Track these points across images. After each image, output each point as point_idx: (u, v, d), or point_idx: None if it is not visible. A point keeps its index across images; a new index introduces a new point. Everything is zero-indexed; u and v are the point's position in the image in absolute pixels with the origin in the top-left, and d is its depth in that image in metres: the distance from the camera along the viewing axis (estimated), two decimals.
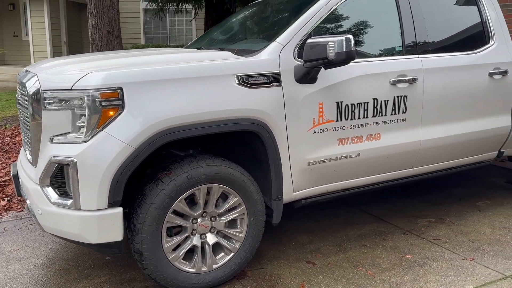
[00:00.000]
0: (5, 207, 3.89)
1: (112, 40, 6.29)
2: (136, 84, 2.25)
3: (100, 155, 2.19)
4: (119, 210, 2.27)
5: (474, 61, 3.38)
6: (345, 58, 2.47)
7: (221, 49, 3.08)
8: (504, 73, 3.50)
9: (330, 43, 2.46)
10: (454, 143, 3.35)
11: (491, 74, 3.43)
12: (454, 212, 3.81)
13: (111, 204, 2.24)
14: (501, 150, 3.78)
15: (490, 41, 3.53)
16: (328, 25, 2.92)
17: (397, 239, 3.30)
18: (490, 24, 3.56)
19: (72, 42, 14.76)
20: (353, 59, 2.51)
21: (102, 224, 2.26)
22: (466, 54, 3.38)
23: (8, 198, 4.05)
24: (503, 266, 2.88)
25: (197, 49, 3.29)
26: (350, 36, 2.47)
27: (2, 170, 4.65)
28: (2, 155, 5.17)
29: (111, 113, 2.21)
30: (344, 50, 2.45)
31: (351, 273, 2.82)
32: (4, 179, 4.43)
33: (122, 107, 2.22)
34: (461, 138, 3.37)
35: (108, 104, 2.20)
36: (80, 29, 15.42)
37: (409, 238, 3.30)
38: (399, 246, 3.17)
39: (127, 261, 2.96)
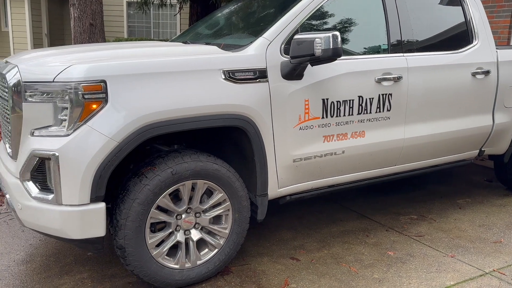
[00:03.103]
0: None
1: (95, 32, 6.18)
2: (120, 77, 2.21)
3: (82, 149, 2.14)
4: (102, 205, 2.23)
5: (457, 61, 3.43)
6: (331, 55, 2.47)
7: (207, 44, 3.05)
8: (487, 73, 3.56)
9: (317, 39, 2.46)
10: (437, 141, 3.39)
11: (474, 74, 3.48)
12: (436, 209, 3.87)
13: (94, 199, 2.20)
14: (482, 149, 3.85)
15: (474, 41, 3.58)
16: (315, 22, 2.92)
17: (379, 235, 3.33)
18: (474, 24, 3.61)
19: (54, 35, 14.45)
20: (340, 56, 2.51)
21: (84, 220, 2.21)
22: (450, 53, 3.43)
23: None
24: (482, 263, 2.94)
25: (182, 43, 3.25)
26: (337, 33, 2.47)
27: None
28: None
29: (94, 106, 2.16)
30: (331, 46, 2.45)
31: (335, 269, 2.83)
32: None
33: (105, 100, 2.17)
34: (444, 137, 3.42)
35: (91, 97, 2.15)
36: (61, 21, 15.11)
37: (391, 235, 3.34)
38: (382, 243, 3.21)
39: (108, 257, 2.91)
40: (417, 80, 3.18)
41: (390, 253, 3.06)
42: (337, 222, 3.56)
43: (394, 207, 3.90)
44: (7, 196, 2.49)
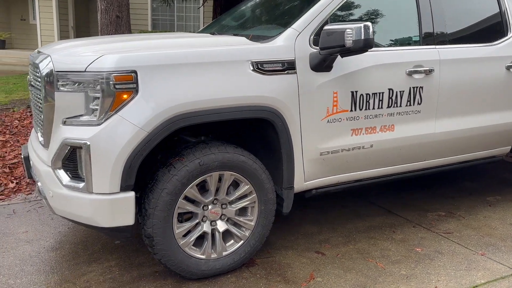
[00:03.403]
0: (14, 190, 3.89)
1: (121, 25, 6.23)
2: (150, 68, 2.21)
3: (113, 139, 2.16)
4: (132, 194, 2.25)
5: (491, 53, 3.32)
6: (363, 46, 2.42)
7: (234, 35, 3.03)
8: None
9: (348, 30, 2.41)
10: (468, 136, 3.30)
11: (508, 67, 3.36)
12: (464, 206, 3.78)
13: (124, 188, 2.22)
14: None
15: (509, 33, 3.46)
16: (345, 12, 2.86)
17: (406, 232, 3.27)
18: (509, 15, 3.49)
19: (80, 27, 14.69)
20: (371, 47, 2.46)
21: (114, 208, 2.24)
22: (484, 46, 3.32)
23: (17, 181, 4.05)
24: None
25: (210, 34, 3.25)
26: (369, 24, 2.42)
27: (11, 153, 4.65)
28: (11, 137, 5.17)
29: (125, 96, 2.18)
30: (362, 37, 2.40)
31: (361, 264, 2.80)
32: (13, 161, 4.43)
33: (136, 90, 2.19)
34: (476, 132, 3.32)
35: (122, 87, 2.17)
36: (87, 14, 15.34)
37: (419, 231, 3.28)
38: (409, 239, 3.15)
39: (136, 246, 2.95)
40: (449, 73, 3.09)
41: (417, 249, 3.00)
42: (363, 217, 3.51)
43: (421, 203, 3.83)
44: (39, 184, 2.54)
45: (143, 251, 2.88)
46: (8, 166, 4.30)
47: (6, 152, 4.64)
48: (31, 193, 3.85)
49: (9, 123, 5.74)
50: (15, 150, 4.75)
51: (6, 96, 7.86)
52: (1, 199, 3.70)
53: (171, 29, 14.75)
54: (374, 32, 2.87)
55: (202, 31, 3.74)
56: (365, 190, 4.03)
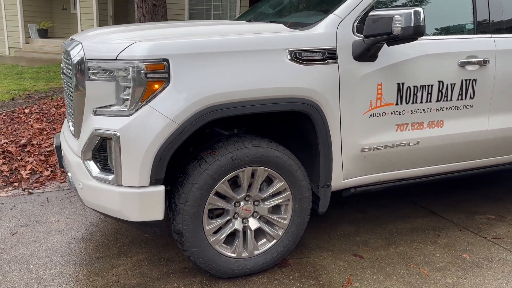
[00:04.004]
0: (49, 177, 3.92)
1: (158, 13, 6.20)
2: (183, 56, 2.10)
3: (143, 130, 2.07)
4: (161, 188, 2.16)
5: None
6: (412, 33, 2.20)
7: (272, 22, 2.87)
8: None
9: (396, 16, 2.20)
10: None
11: None
12: None
13: (153, 182, 2.13)
14: None
15: None
16: None
17: (452, 235, 3.04)
18: None
19: (118, 16, 14.89)
20: (422, 35, 2.24)
21: (143, 202, 2.15)
22: None
23: (52, 169, 4.08)
24: None
25: (246, 21, 3.10)
26: (420, 9, 2.20)
27: (47, 141, 4.71)
28: (48, 125, 5.25)
29: (156, 86, 2.07)
30: (412, 24, 2.18)
31: (402, 270, 2.61)
32: (49, 149, 4.47)
33: (167, 80, 2.08)
34: None
35: (154, 76, 2.06)
36: (126, 3, 15.52)
37: (466, 236, 3.04)
38: (455, 244, 2.92)
39: (166, 240, 2.88)
40: (506, 64, 2.81)
41: (464, 255, 2.77)
42: (404, 219, 3.29)
43: (468, 205, 3.56)
44: (69, 174, 2.50)
45: (173, 245, 2.80)
46: (44, 154, 4.35)
47: (42, 140, 4.71)
48: (65, 182, 3.86)
49: (46, 111, 5.84)
50: (50, 138, 4.81)
51: (46, 84, 8.06)
52: (36, 187, 3.73)
53: (208, 19, 14.70)
54: (426, 19, 2.65)
55: (238, 19, 3.60)
56: (405, 189, 3.80)
